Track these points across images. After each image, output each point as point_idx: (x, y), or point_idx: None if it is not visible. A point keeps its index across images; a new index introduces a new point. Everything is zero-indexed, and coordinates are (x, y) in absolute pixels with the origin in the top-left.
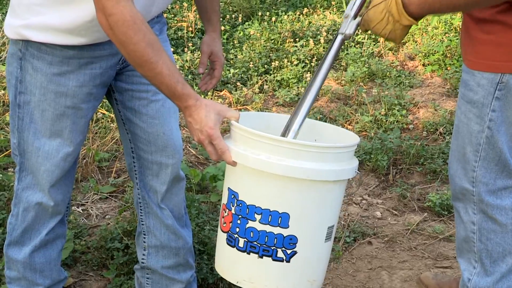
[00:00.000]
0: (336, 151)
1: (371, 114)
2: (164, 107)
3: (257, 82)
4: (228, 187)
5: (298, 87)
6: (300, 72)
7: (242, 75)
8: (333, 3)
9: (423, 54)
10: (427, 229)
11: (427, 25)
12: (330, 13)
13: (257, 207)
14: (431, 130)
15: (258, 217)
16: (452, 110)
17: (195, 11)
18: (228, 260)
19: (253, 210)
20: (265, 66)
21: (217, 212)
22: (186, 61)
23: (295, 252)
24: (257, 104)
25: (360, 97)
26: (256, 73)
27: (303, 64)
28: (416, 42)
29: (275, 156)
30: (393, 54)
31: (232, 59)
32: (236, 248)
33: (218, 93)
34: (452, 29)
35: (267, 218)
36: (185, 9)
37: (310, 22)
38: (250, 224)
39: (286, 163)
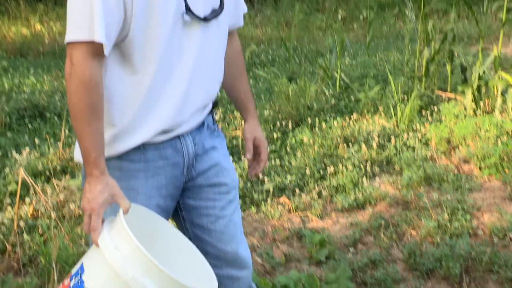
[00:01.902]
0: None
1: (434, 219)
2: (232, 222)
3: (314, 188)
4: (82, 261)
5: (355, 192)
6: (355, 177)
7: (299, 181)
8: (380, 108)
9: (478, 157)
10: None
11: (479, 128)
12: (378, 117)
13: None
14: (500, 235)
15: None
16: None
17: None
18: None
19: None
20: (321, 171)
21: None
22: (243, 168)
23: None
24: (316, 211)
25: (420, 202)
26: (312, 179)
27: (358, 169)
28: (468, 145)
29: (130, 263)
30: (447, 158)
31: (287, 165)
32: None
33: (277, 200)
34: (504, 133)
35: None
36: (238, 118)
37: (360, 128)
38: None
39: (137, 275)
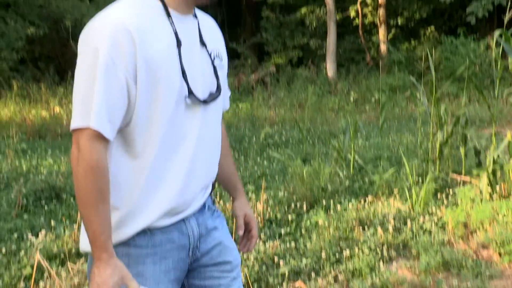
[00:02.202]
0: None
1: None
2: None
3: (330, 272)
4: None
5: (372, 277)
6: (372, 261)
7: (314, 264)
8: (395, 190)
9: (497, 243)
10: None
11: (496, 213)
12: (393, 200)
13: None
14: None
15: None
16: None
17: (264, 201)
18: None
19: None
20: (336, 255)
21: None
22: (258, 251)
23: None
24: None
25: None
26: (328, 262)
27: (374, 253)
28: (486, 230)
29: None
30: (464, 242)
31: (302, 248)
32: None
33: (293, 284)
34: None
35: None
36: (253, 200)
37: (375, 210)
38: None
39: None
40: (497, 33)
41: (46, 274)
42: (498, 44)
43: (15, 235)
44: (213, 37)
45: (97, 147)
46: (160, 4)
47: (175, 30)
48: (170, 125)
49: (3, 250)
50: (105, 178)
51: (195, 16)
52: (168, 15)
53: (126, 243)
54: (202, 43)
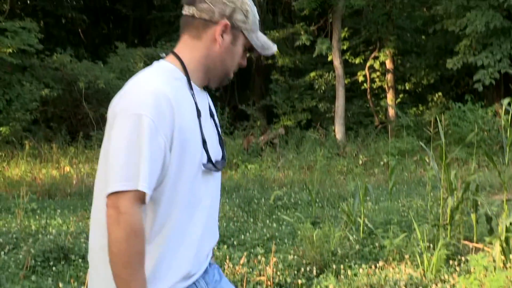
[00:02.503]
0: None
1: None
2: None
3: None
4: None
5: None
6: None
7: None
8: (406, 256)
9: None
10: None
11: (511, 282)
12: (404, 266)
13: None
14: None
15: None
16: None
17: (273, 265)
18: None
19: None
20: None
21: None
22: None
23: None
24: None
25: None
26: None
27: None
28: None
29: None
30: None
31: None
32: None
33: None
34: None
35: None
36: (263, 263)
37: (386, 276)
38: None
39: None
40: (506, 101)
41: None
42: (507, 111)
43: None
44: (214, 108)
45: (138, 210)
46: (185, 77)
47: (196, 101)
48: (191, 192)
49: None
50: (144, 240)
51: (204, 88)
52: (191, 87)
53: None
54: (211, 114)
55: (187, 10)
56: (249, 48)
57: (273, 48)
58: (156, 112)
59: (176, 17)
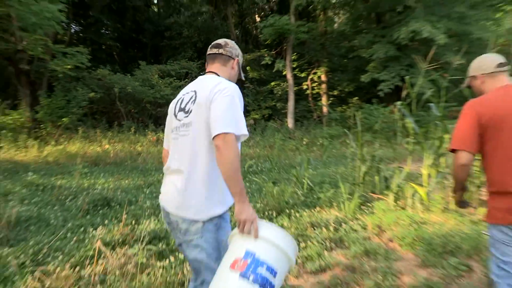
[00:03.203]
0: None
1: (372, 279)
2: None
3: None
4: (245, 248)
5: (319, 260)
6: (319, 250)
7: None
8: (334, 203)
9: (399, 238)
10: None
11: (398, 218)
12: (333, 210)
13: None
14: None
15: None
16: None
17: None
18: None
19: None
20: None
21: None
22: None
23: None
24: (293, 273)
25: (362, 267)
26: None
27: (321, 245)
28: (392, 230)
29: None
30: (378, 237)
31: None
32: (247, 280)
33: None
34: (414, 222)
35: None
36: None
37: (321, 216)
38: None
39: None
40: (398, 103)
41: (102, 255)
42: (398, 110)
43: (82, 229)
44: None
45: (237, 144)
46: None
47: None
48: None
49: (74, 239)
50: (239, 159)
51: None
52: None
53: (220, 216)
54: None
55: (215, 50)
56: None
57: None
58: (239, 94)
59: (180, 44)
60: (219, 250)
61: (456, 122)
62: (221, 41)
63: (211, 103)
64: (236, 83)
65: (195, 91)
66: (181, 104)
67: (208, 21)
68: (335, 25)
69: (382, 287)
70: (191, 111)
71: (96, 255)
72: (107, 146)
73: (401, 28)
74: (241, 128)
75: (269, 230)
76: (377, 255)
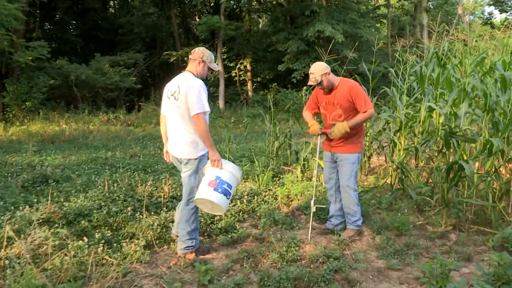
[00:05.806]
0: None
1: (277, 251)
2: None
3: (206, 231)
4: (215, 174)
5: (231, 233)
6: (232, 222)
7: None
8: (249, 176)
9: (304, 207)
10: None
11: (305, 189)
12: (248, 182)
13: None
14: (315, 260)
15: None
16: None
17: (170, 185)
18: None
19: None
20: (210, 219)
21: None
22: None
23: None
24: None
25: (270, 238)
26: (205, 225)
27: (234, 217)
28: (299, 199)
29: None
30: (287, 207)
31: None
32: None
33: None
34: (318, 193)
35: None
36: (162, 184)
37: (237, 189)
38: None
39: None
40: (304, 88)
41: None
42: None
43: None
44: None
45: (206, 117)
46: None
47: None
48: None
49: (8, 217)
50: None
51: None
52: None
53: (203, 155)
54: None
55: (189, 56)
56: (209, 69)
57: (217, 68)
58: (203, 85)
59: (131, 39)
60: (199, 174)
61: (359, 92)
62: (193, 49)
63: (187, 95)
64: (208, 76)
65: (178, 86)
66: (170, 92)
67: (155, 21)
68: (260, 25)
69: (285, 258)
70: (178, 99)
71: (6, 239)
72: (64, 125)
73: (309, 28)
74: (205, 108)
75: (227, 165)
76: (284, 224)
